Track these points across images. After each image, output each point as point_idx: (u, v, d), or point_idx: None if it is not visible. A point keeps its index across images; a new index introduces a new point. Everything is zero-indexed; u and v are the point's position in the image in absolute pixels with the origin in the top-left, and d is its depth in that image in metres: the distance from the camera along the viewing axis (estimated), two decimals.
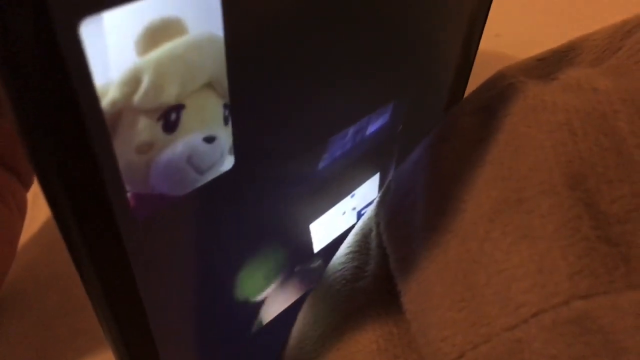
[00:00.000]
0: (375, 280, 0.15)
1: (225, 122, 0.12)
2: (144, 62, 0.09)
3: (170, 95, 0.10)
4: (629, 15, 0.15)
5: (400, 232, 0.15)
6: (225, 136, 0.12)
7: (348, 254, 0.17)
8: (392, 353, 0.14)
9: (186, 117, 0.11)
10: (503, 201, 0.12)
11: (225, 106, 0.12)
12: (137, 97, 0.10)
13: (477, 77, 0.18)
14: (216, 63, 0.11)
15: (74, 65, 0.08)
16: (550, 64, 0.15)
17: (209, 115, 0.11)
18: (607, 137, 0.12)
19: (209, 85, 0.11)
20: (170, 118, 0.10)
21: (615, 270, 0.10)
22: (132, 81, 0.09)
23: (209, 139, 0.12)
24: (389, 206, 0.16)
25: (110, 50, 0.09)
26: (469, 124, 0.14)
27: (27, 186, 0.24)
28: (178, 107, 0.10)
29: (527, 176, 0.12)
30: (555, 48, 0.16)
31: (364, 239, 0.17)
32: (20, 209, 0.24)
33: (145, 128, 0.10)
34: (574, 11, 0.40)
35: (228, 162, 0.13)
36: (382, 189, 0.17)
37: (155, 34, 0.09)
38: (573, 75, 0.13)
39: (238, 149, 0.13)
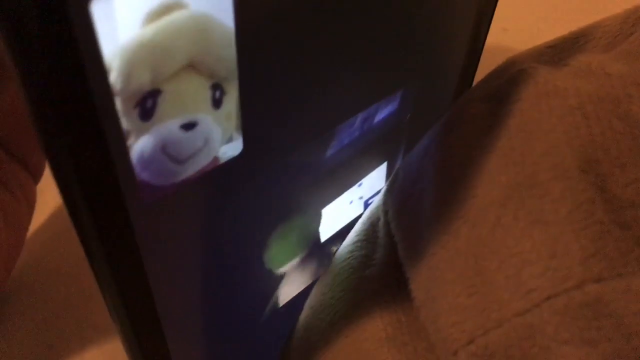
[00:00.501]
0: (384, 268, 0.15)
1: (216, 105, 0.11)
2: (114, 49, 0.09)
3: (141, 81, 0.09)
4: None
5: (408, 220, 0.15)
6: (213, 120, 0.11)
7: (356, 242, 0.17)
8: (400, 340, 0.14)
9: (164, 103, 0.10)
10: (514, 186, 0.12)
11: (215, 87, 0.11)
12: (112, 85, 0.09)
13: (483, 72, 0.18)
14: (198, 43, 0.10)
15: (84, 43, 0.08)
16: (561, 51, 0.15)
17: (190, 100, 0.10)
18: (621, 121, 0.11)
19: (191, 67, 0.10)
20: (146, 105, 0.10)
21: (628, 254, 0.10)
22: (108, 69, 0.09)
23: (188, 126, 0.11)
24: (398, 194, 0.16)
25: (120, 29, 0.09)
26: (478, 110, 0.14)
27: (36, 179, 0.24)
28: (154, 93, 0.10)
29: (539, 161, 0.12)
30: (566, 35, 0.16)
31: (372, 227, 0.17)
32: (29, 201, 0.24)
33: (123, 116, 0.10)
34: (581, 6, 0.40)
35: (236, 147, 0.13)
36: (390, 177, 0.17)
37: (155, 18, 0.09)
38: (584, 61, 0.13)
39: (246, 134, 0.13)
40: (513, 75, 0.14)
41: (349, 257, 0.17)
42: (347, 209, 0.19)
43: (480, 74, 0.19)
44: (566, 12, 0.39)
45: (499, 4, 0.19)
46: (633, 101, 0.12)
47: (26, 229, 0.24)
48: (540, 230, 0.11)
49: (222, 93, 0.11)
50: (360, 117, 0.16)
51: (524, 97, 0.13)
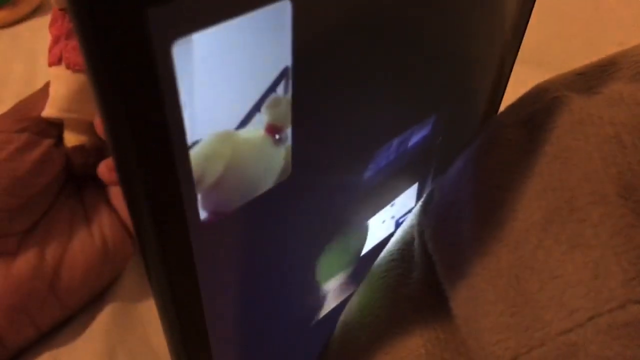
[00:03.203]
0: (421, 287, 0.16)
1: (276, 144, 0.13)
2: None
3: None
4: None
5: (447, 240, 0.15)
6: (272, 156, 0.13)
7: (390, 261, 0.17)
8: (440, 357, 0.14)
9: None
10: (554, 211, 0.13)
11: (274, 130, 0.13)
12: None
13: None
14: None
15: (165, 83, 0.09)
16: (591, 78, 0.16)
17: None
18: None
19: None
20: None
21: None
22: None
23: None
24: (434, 215, 0.16)
25: (195, 71, 0.10)
26: (514, 135, 0.15)
27: None
28: None
29: (578, 186, 0.12)
30: (594, 62, 0.17)
31: (406, 247, 0.17)
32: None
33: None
34: (595, 23, 0.41)
35: (286, 172, 0.13)
36: (423, 199, 0.18)
37: None
38: (616, 90, 0.14)
39: (295, 160, 0.13)
40: (547, 102, 0.15)
41: (385, 276, 0.17)
42: (380, 228, 0.20)
43: None
44: (579, 30, 0.40)
45: None
46: None
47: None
48: (582, 253, 0.12)
49: (281, 135, 0.12)
50: (396, 141, 0.17)
51: (560, 124, 0.14)
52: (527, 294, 0.12)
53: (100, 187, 0.24)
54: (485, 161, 0.15)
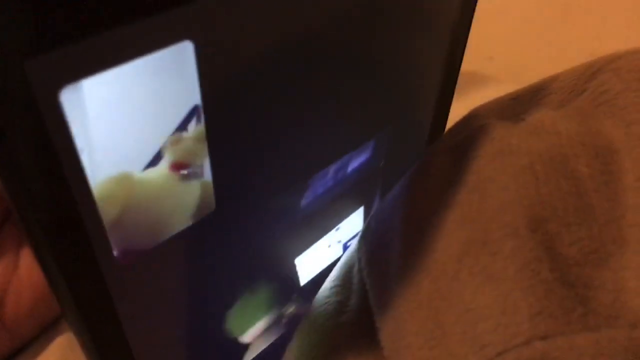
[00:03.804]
0: (357, 315, 0.16)
1: (185, 180, 0.13)
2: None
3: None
4: (617, 41, 0.15)
5: (379, 269, 0.15)
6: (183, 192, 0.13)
7: (332, 287, 0.17)
8: None
9: None
10: (470, 242, 0.13)
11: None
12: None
13: (470, 100, 0.19)
14: None
15: (55, 131, 0.09)
16: (521, 103, 0.16)
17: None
18: (568, 181, 0.12)
19: None
20: None
21: (572, 312, 0.11)
22: None
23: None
24: (370, 242, 0.16)
25: (90, 115, 0.10)
26: (441, 163, 0.15)
27: None
28: None
29: (493, 218, 0.12)
30: (529, 87, 0.17)
31: (348, 273, 0.17)
32: None
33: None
34: (567, 35, 0.41)
35: (209, 205, 0.13)
36: (364, 224, 0.18)
37: None
38: (538, 117, 0.14)
39: (218, 192, 0.13)
40: (474, 130, 0.15)
41: (325, 303, 0.17)
42: (326, 253, 0.19)
43: (467, 102, 0.19)
44: (552, 42, 0.40)
45: (485, 32, 0.19)
46: (579, 161, 0.12)
47: None
48: (492, 287, 0.12)
49: (188, 170, 0.12)
50: (333, 168, 0.17)
51: (482, 153, 0.14)
52: (444, 326, 0.12)
53: None
54: (414, 189, 0.15)
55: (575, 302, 0.11)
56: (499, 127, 0.14)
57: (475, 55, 0.21)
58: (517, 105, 0.16)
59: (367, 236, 0.17)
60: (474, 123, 0.15)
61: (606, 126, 0.13)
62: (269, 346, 0.19)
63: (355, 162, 0.18)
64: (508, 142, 0.13)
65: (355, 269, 0.17)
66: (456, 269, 0.13)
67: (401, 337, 0.13)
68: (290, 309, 0.19)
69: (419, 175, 0.15)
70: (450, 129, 0.16)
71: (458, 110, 0.19)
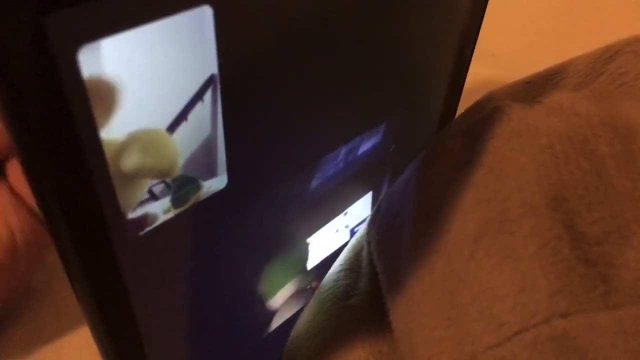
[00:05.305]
0: (366, 298, 0.16)
1: None
2: None
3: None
4: (622, 35, 0.15)
5: (390, 252, 0.15)
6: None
7: (340, 271, 0.17)
8: None
9: None
10: (487, 223, 0.12)
11: None
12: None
13: (472, 96, 0.19)
14: None
15: (73, 91, 0.09)
16: (537, 87, 0.16)
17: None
18: (588, 161, 0.12)
19: None
20: None
21: (593, 290, 0.11)
22: None
23: None
24: (380, 226, 0.16)
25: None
26: (455, 146, 0.15)
27: None
28: None
29: (510, 198, 0.12)
30: (543, 71, 0.16)
31: (356, 257, 0.17)
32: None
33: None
34: (571, 32, 0.41)
35: (221, 181, 0.13)
36: (374, 208, 0.18)
37: None
38: (556, 99, 0.14)
39: (231, 168, 0.13)
40: (489, 112, 0.14)
41: (333, 286, 0.17)
42: (334, 237, 0.19)
43: (469, 98, 0.19)
44: (556, 39, 0.40)
45: (488, 29, 0.19)
46: (600, 141, 0.12)
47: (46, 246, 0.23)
48: (510, 266, 0.12)
49: None
50: (344, 149, 0.17)
51: (498, 134, 0.14)
52: (460, 306, 0.12)
53: None
54: (427, 172, 0.15)
55: (596, 280, 0.11)
56: (516, 108, 0.14)
57: (477, 52, 0.20)
58: (532, 89, 0.16)
59: (377, 220, 0.17)
60: (488, 105, 0.15)
61: (626, 107, 0.13)
62: (277, 329, 0.19)
63: (365, 146, 0.18)
64: (525, 123, 0.13)
65: (364, 252, 0.17)
66: (472, 250, 0.12)
67: (413, 319, 0.13)
68: (312, 283, 0.19)
69: (432, 158, 0.15)
70: (463, 113, 0.16)
71: (461, 107, 0.19)
